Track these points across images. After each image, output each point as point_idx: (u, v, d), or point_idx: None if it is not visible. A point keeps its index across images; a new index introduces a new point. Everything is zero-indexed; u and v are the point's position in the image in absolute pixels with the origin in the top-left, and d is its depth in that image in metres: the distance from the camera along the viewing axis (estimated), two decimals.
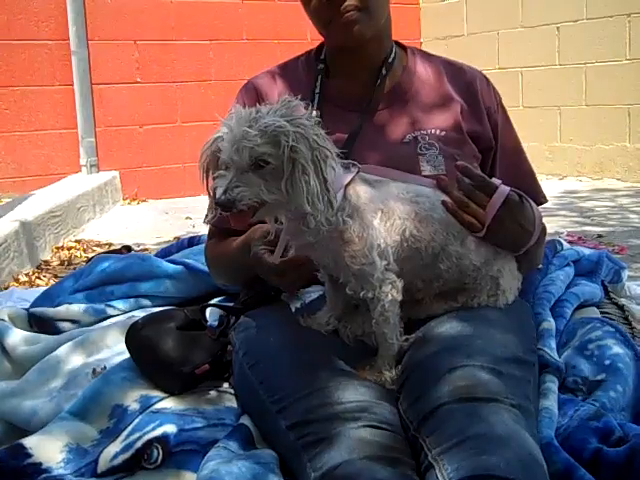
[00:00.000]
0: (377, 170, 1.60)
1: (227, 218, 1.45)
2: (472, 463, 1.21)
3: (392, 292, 1.50)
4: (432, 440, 1.30)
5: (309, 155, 1.37)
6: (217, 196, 1.39)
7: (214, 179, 1.43)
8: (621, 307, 2.08)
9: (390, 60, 1.82)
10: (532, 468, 1.24)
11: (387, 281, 1.50)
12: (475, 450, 1.23)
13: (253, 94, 1.84)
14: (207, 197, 1.51)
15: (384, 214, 1.51)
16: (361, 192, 1.51)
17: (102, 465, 1.50)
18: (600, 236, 4.10)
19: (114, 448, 1.52)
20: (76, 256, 4.09)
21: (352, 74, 1.81)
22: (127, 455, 1.50)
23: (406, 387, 1.45)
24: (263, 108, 1.41)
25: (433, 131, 1.77)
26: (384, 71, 1.80)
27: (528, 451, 1.26)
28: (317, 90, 1.79)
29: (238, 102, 1.82)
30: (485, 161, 1.82)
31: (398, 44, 1.87)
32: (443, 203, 1.58)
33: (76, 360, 1.83)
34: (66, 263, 3.93)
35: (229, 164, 1.39)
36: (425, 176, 1.67)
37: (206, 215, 1.54)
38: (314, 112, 1.49)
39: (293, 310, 1.72)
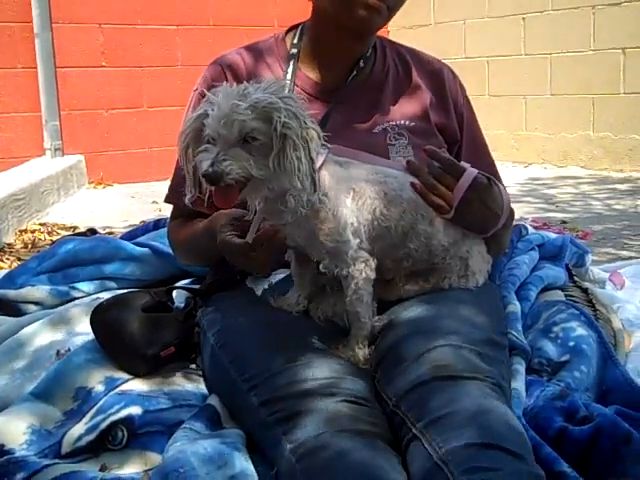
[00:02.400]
0: (346, 152, 1.60)
1: (200, 200, 1.45)
2: (462, 433, 1.24)
3: (366, 270, 1.51)
4: (415, 414, 1.31)
5: (300, 133, 1.37)
6: (203, 169, 1.37)
7: (197, 155, 1.41)
8: (585, 290, 2.10)
9: (368, 54, 1.82)
10: (516, 435, 1.27)
11: (360, 259, 1.51)
12: (462, 422, 1.25)
13: (221, 73, 1.80)
14: (185, 176, 1.49)
15: (356, 193, 1.52)
16: (333, 172, 1.52)
17: (66, 446, 1.49)
18: (564, 222, 4.15)
19: (78, 430, 1.51)
20: (40, 239, 4.04)
21: (329, 62, 1.80)
22: (91, 437, 1.49)
23: (382, 366, 1.46)
24: (250, 86, 1.40)
25: (402, 122, 1.78)
26: (362, 64, 1.80)
27: (510, 421, 1.30)
28: (289, 77, 1.77)
29: (205, 80, 1.80)
30: (450, 153, 1.82)
31: None
32: (412, 185, 1.59)
33: (39, 342, 1.80)
34: (30, 246, 3.88)
35: (215, 139, 1.38)
36: None
37: (183, 194, 1.51)
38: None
39: (259, 294, 1.71)
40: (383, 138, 1.75)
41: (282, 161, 1.36)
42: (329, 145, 1.54)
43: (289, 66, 1.79)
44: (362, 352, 1.51)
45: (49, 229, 4.31)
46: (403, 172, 1.62)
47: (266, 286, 1.74)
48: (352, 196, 1.52)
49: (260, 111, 1.36)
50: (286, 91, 1.44)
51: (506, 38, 6.82)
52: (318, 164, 1.48)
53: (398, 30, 6.76)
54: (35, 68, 5.88)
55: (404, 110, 1.80)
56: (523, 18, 6.67)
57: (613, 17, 6.04)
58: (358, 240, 1.51)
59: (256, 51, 1.85)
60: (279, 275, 1.75)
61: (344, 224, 1.48)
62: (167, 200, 1.88)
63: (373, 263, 1.52)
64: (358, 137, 1.73)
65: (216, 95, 1.40)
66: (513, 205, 1.74)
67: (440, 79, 1.87)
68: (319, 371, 1.39)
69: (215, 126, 1.37)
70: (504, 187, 1.72)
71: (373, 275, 1.52)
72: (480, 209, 1.63)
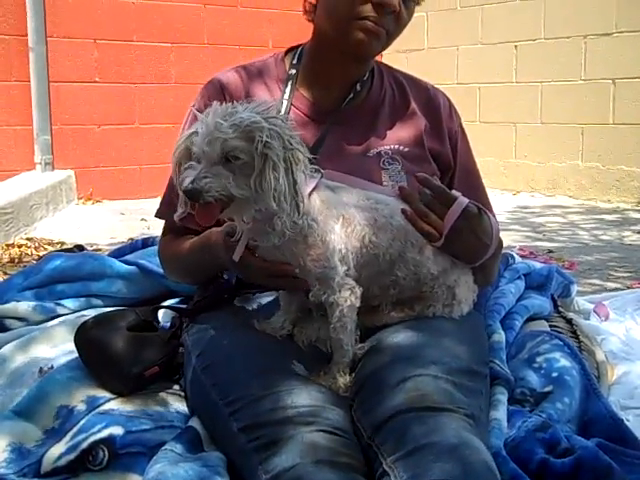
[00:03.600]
0: (339, 177, 1.61)
1: (191, 217, 1.46)
2: (427, 470, 1.22)
3: (351, 298, 1.51)
4: (387, 448, 1.30)
5: (282, 153, 1.38)
6: (184, 185, 1.38)
7: (182, 172, 1.43)
8: (569, 321, 2.11)
9: (366, 78, 1.83)
10: (486, 475, 1.26)
11: (346, 286, 1.51)
12: (430, 458, 1.24)
13: (219, 91, 1.80)
14: (175, 193, 1.51)
15: (345, 220, 1.52)
16: (324, 197, 1.52)
17: (46, 466, 1.48)
18: (551, 251, 4.17)
19: (59, 449, 1.50)
20: (27, 254, 4.02)
21: (326, 85, 1.81)
22: (72, 456, 1.48)
23: (360, 395, 1.45)
24: (239, 105, 1.42)
25: (396, 147, 1.79)
26: (359, 87, 1.81)
27: (482, 459, 1.28)
28: (286, 96, 1.78)
29: (202, 97, 1.80)
30: (442, 181, 1.83)
31: None
32: (403, 211, 1.59)
33: (22, 358, 1.79)
34: (16, 260, 3.86)
35: (201, 157, 1.39)
36: None
37: (174, 211, 1.53)
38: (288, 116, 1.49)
39: (251, 309, 1.71)
40: (377, 162, 1.76)
41: (262, 181, 1.37)
42: (322, 170, 1.55)
43: (287, 87, 1.80)
44: (343, 380, 1.51)
45: (36, 244, 4.29)
46: (395, 198, 1.63)
47: (254, 307, 1.74)
48: (341, 222, 1.52)
49: (243, 130, 1.37)
50: (275, 112, 1.44)
51: (498, 65, 6.87)
52: (309, 188, 1.49)
53: (391, 54, 6.79)
54: (28, 82, 5.87)
55: (399, 135, 1.81)
56: (515, 46, 6.73)
57: (604, 47, 6.11)
58: (345, 267, 1.51)
59: (254, 70, 1.86)
60: (267, 298, 1.75)
61: (332, 250, 1.49)
62: (158, 215, 1.88)
63: (359, 291, 1.52)
64: (352, 160, 1.74)
65: (207, 114, 1.41)
66: (501, 233, 1.75)
67: (436, 106, 1.88)
68: (299, 398, 1.39)
69: (200, 144, 1.39)
70: (495, 217, 1.72)
71: (358, 303, 1.52)
72: (470, 238, 1.63)
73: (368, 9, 1.66)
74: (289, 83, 1.80)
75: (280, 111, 1.46)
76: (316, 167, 1.54)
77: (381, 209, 1.58)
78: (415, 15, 1.77)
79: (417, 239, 1.59)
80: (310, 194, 1.50)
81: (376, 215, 1.56)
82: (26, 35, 5.82)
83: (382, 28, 1.68)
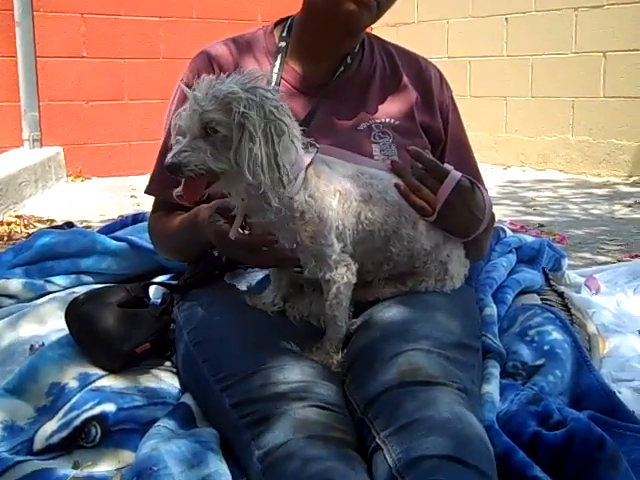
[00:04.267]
0: (334, 151, 1.60)
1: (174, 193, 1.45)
2: (420, 444, 1.22)
3: (347, 274, 1.51)
4: (379, 423, 1.30)
5: (261, 124, 1.36)
6: (166, 160, 1.38)
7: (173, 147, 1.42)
8: (561, 294, 2.12)
9: (356, 50, 1.81)
10: (479, 449, 1.26)
11: (342, 263, 1.50)
12: (423, 432, 1.24)
13: (207, 64, 1.78)
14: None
15: (342, 196, 1.51)
16: (321, 173, 1.51)
17: (38, 443, 1.48)
18: (541, 225, 4.17)
19: (51, 426, 1.50)
20: (16, 231, 3.99)
21: (317, 57, 1.80)
22: (64, 433, 1.48)
23: (352, 371, 1.45)
24: (226, 77, 1.40)
25: (387, 120, 1.78)
26: (349, 60, 1.80)
27: (475, 433, 1.28)
28: (276, 69, 1.76)
29: (191, 71, 1.78)
30: (433, 154, 1.82)
31: None
32: (396, 186, 1.58)
33: (13, 336, 1.79)
34: (5, 238, 3.83)
35: (185, 131, 1.39)
36: None
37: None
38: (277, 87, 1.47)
39: (242, 289, 1.71)
40: (367, 136, 1.75)
41: (239, 152, 1.36)
42: (317, 145, 1.54)
43: (277, 60, 1.78)
44: (335, 355, 1.51)
45: (25, 221, 4.26)
46: (387, 172, 1.62)
47: (244, 287, 1.73)
48: (338, 199, 1.50)
49: (221, 102, 1.36)
50: (263, 82, 1.42)
51: (489, 38, 6.84)
52: (305, 163, 1.48)
53: (382, 27, 6.75)
54: (15, 57, 5.81)
55: (390, 108, 1.80)
56: (506, 19, 6.69)
57: (595, 20, 6.08)
58: (342, 244, 1.50)
59: (244, 43, 1.84)
60: (259, 275, 1.74)
61: (329, 227, 1.48)
62: (147, 191, 1.87)
63: (354, 267, 1.52)
64: (343, 134, 1.73)
65: (194, 88, 1.40)
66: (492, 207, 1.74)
67: (427, 78, 1.87)
68: (291, 374, 1.39)
69: (184, 118, 1.38)
70: (486, 190, 1.72)
71: (354, 279, 1.52)
72: (463, 212, 1.62)
73: None
74: (279, 56, 1.79)
75: (270, 82, 1.43)
76: (311, 142, 1.53)
77: (375, 184, 1.57)
78: None
79: (411, 214, 1.58)
80: (307, 169, 1.48)
81: (371, 191, 1.55)
82: (12, 9, 5.75)
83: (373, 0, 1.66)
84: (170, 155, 1.38)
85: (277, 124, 1.37)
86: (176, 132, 1.44)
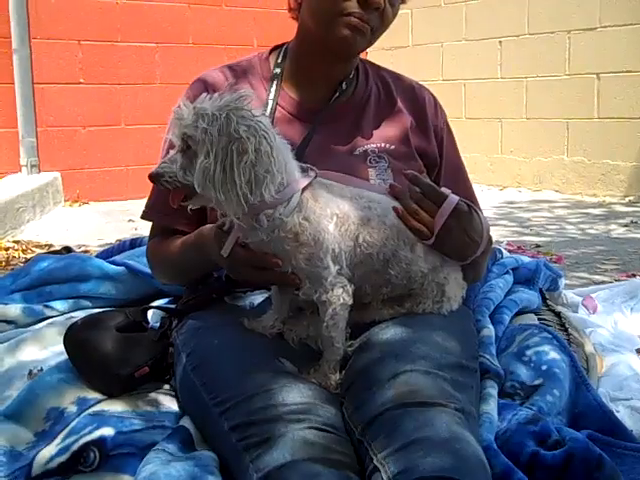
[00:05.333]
0: (333, 175, 1.61)
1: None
2: (418, 465, 1.22)
3: (343, 296, 1.51)
4: (377, 444, 1.30)
5: (222, 142, 1.37)
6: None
7: None
8: (558, 314, 2.12)
9: (351, 76, 1.83)
10: (477, 469, 1.26)
11: (338, 285, 1.51)
12: (421, 453, 1.24)
13: (204, 90, 1.74)
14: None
15: (339, 219, 1.52)
16: (318, 196, 1.52)
17: (36, 468, 1.47)
18: (538, 246, 4.18)
19: (49, 451, 1.49)
20: (14, 256, 4.00)
21: (312, 83, 1.81)
22: (63, 458, 1.47)
23: (351, 392, 1.45)
24: (217, 95, 1.43)
25: (382, 144, 1.79)
26: (344, 86, 1.81)
27: (473, 454, 1.28)
28: (272, 95, 1.78)
29: (188, 97, 1.79)
30: (428, 177, 1.83)
31: None
32: (394, 209, 1.59)
33: (12, 361, 1.79)
34: (4, 263, 3.84)
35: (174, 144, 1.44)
36: None
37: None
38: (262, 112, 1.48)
39: (242, 305, 1.72)
40: (363, 160, 1.76)
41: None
42: (316, 169, 1.55)
43: (272, 86, 1.79)
44: (333, 377, 1.51)
45: (23, 247, 4.27)
46: (386, 196, 1.62)
47: (246, 304, 1.74)
48: (335, 222, 1.51)
49: (193, 118, 1.40)
50: (245, 102, 1.42)
51: (483, 61, 6.89)
52: (302, 185, 1.49)
53: (377, 51, 6.81)
54: (12, 84, 5.84)
55: (385, 133, 1.81)
56: (500, 41, 6.75)
57: (588, 42, 6.13)
58: (338, 267, 1.51)
59: (239, 70, 1.85)
60: (258, 297, 1.75)
61: (325, 250, 1.48)
62: (144, 216, 1.88)
63: (350, 288, 1.52)
64: (339, 159, 1.74)
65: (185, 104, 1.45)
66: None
67: (421, 103, 1.88)
68: (290, 396, 1.39)
69: (172, 131, 1.44)
70: (482, 213, 1.73)
71: (350, 301, 1.52)
72: (460, 236, 1.62)
73: (353, 5, 1.66)
74: (274, 82, 1.80)
75: (249, 100, 1.43)
76: (310, 166, 1.55)
77: (374, 207, 1.57)
78: (399, 12, 1.77)
79: (409, 237, 1.59)
80: (303, 192, 1.49)
81: (370, 214, 1.55)
82: (9, 37, 5.80)
83: (367, 24, 1.68)
84: (156, 166, 1.45)
85: (240, 143, 1.37)
86: (168, 145, 1.48)
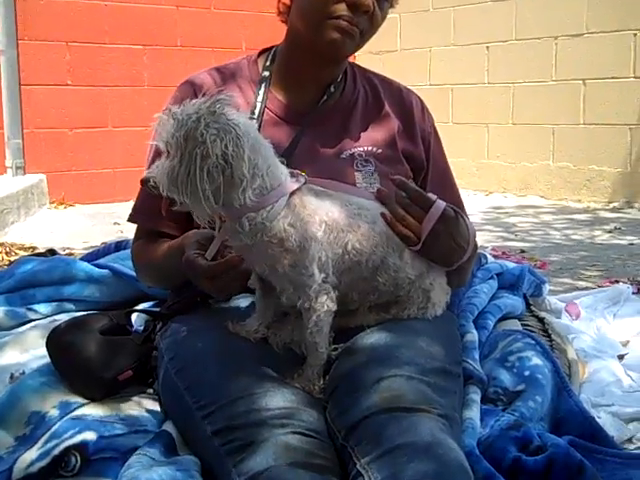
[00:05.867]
0: (323, 182, 1.60)
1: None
2: (402, 471, 1.22)
3: (327, 302, 1.50)
4: (360, 449, 1.30)
5: (189, 146, 1.37)
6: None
7: None
8: (541, 320, 2.13)
9: (339, 79, 1.83)
10: (460, 476, 1.26)
11: (323, 292, 1.50)
12: (404, 458, 1.24)
13: (191, 93, 1.76)
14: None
15: (328, 226, 1.51)
16: (307, 203, 1.51)
17: (17, 473, 1.46)
18: (523, 251, 4.20)
19: (30, 455, 1.48)
20: None
21: (300, 86, 1.81)
22: (44, 463, 1.46)
23: (334, 397, 1.45)
24: (195, 101, 1.42)
25: (369, 148, 1.79)
26: (332, 89, 1.82)
27: (456, 459, 1.28)
28: (260, 98, 1.78)
29: (175, 100, 1.78)
30: (415, 181, 1.83)
31: None
32: (382, 215, 1.58)
33: None
34: None
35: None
36: None
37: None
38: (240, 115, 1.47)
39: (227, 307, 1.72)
40: (350, 164, 1.76)
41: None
42: (305, 175, 1.55)
43: (260, 89, 1.79)
44: (317, 382, 1.51)
45: (7, 249, 4.25)
46: (374, 202, 1.62)
47: (231, 311, 1.74)
48: (324, 229, 1.50)
49: (172, 125, 1.40)
50: (217, 105, 1.40)
51: (470, 66, 6.92)
52: (289, 190, 1.48)
53: (365, 55, 6.80)
54: None
55: (372, 136, 1.81)
56: (487, 47, 6.78)
57: (575, 48, 6.17)
58: (324, 275, 1.50)
59: (227, 72, 1.85)
60: (243, 302, 1.75)
61: (311, 258, 1.47)
62: (130, 219, 1.88)
63: (334, 295, 1.52)
64: (326, 162, 1.74)
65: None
66: None
67: (408, 107, 1.89)
68: (273, 401, 1.39)
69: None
70: (469, 219, 1.73)
71: (334, 307, 1.52)
72: (447, 242, 1.62)
73: (342, 8, 1.67)
74: (262, 85, 1.80)
75: (226, 103, 1.43)
76: (299, 172, 1.54)
77: (364, 215, 1.56)
78: (388, 17, 1.77)
79: (397, 244, 1.58)
80: (291, 197, 1.49)
81: (359, 221, 1.55)
82: None
83: (356, 27, 1.69)
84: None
85: (205, 147, 1.36)
86: (154, 151, 1.51)
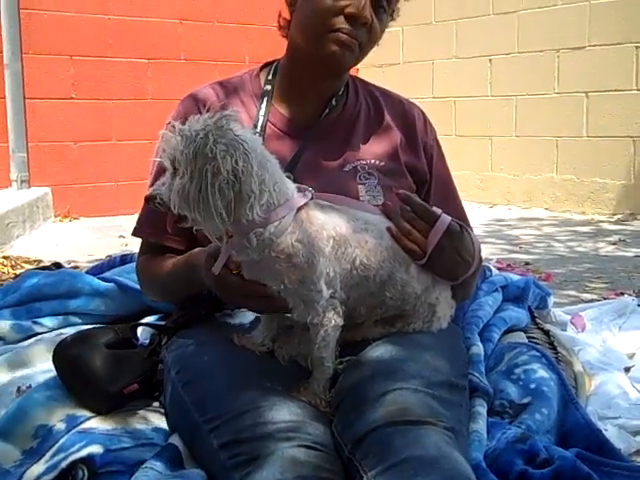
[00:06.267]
0: (329, 197, 1.60)
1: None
2: None
3: (334, 317, 1.50)
4: (367, 463, 1.30)
5: (199, 162, 1.37)
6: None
7: None
8: (547, 332, 2.13)
9: (341, 93, 1.84)
10: None
11: (330, 307, 1.50)
12: (411, 472, 1.24)
13: (194, 107, 1.77)
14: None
15: (336, 242, 1.51)
16: (314, 218, 1.51)
17: None
18: (527, 263, 4.19)
19: (38, 469, 1.48)
20: (3, 272, 3.98)
21: (302, 99, 1.82)
22: (51, 476, 1.46)
23: (340, 410, 1.45)
24: (200, 116, 1.43)
25: (372, 161, 1.79)
26: (334, 102, 1.82)
27: (462, 473, 1.28)
28: (262, 112, 1.78)
29: (178, 114, 1.79)
30: (418, 194, 1.82)
31: None
32: (388, 229, 1.59)
33: (0, 378, 1.78)
34: None
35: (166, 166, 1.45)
36: None
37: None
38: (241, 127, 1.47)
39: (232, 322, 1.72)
40: (353, 177, 1.76)
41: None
42: (313, 192, 1.55)
43: (262, 103, 1.80)
44: (323, 395, 1.51)
45: (13, 262, 4.25)
46: (381, 217, 1.62)
47: (236, 322, 1.74)
48: (332, 245, 1.50)
49: (178, 140, 1.40)
50: (222, 121, 1.41)
51: (473, 79, 6.93)
52: (296, 205, 1.49)
53: (367, 68, 6.85)
54: (4, 98, 5.84)
55: (374, 149, 1.82)
56: (490, 60, 6.80)
57: (577, 61, 6.18)
58: (332, 290, 1.50)
59: (230, 86, 1.86)
60: (249, 314, 1.75)
61: (319, 274, 1.47)
62: (135, 233, 1.88)
63: (342, 310, 1.52)
64: (329, 175, 1.75)
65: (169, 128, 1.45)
66: None
67: (410, 120, 1.89)
68: (280, 414, 1.39)
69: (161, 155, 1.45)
70: (473, 232, 1.73)
71: (342, 322, 1.52)
72: (452, 256, 1.62)
73: (341, 21, 1.68)
74: (264, 99, 1.81)
75: (233, 118, 1.43)
76: (307, 187, 1.55)
77: (371, 230, 1.57)
78: (391, 30, 1.78)
79: (404, 258, 1.59)
80: (298, 212, 1.49)
81: (366, 236, 1.55)
82: (1, 52, 5.80)
83: (355, 40, 1.70)
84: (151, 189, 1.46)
85: (215, 164, 1.36)
86: (158, 168, 1.49)
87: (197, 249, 1.67)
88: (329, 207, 1.56)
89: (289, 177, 1.52)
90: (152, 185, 1.50)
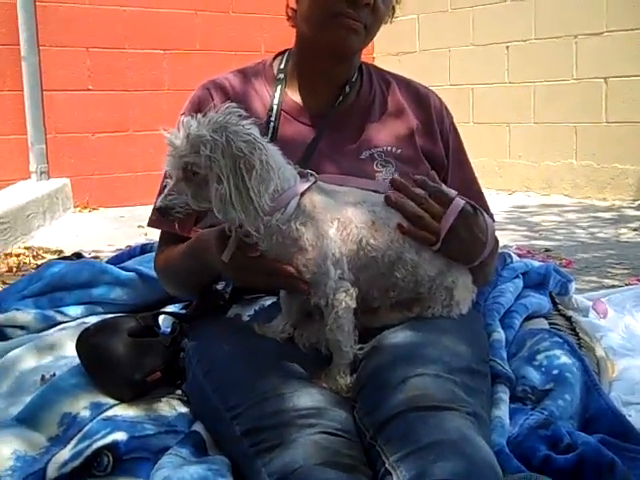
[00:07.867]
0: (334, 179, 1.61)
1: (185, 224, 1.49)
2: (430, 469, 1.22)
3: (346, 299, 1.51)
4: (389, 448, 1.30)
5: (228, 163, 1.38)
6: (157, 203, 1.45)
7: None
8: (568, 318, 2.12)
9: (354, 79, 1.84)
10: (489, 474, 1.26)
11: (341, 289, 1.51)
12: (433, 457, 1.24)
13: (208, 98, 1.81)
14: None
15: (340, 223, 1.52)
16: (317, 201, 1.52)
17: (51, 473, 1.47)
18: (548, 250, 4.18)
19: (63, 456, 1.49)
20: (25, 262, 4.02)
21: (314, 87, 1.82)
22: (76, 463, 1.47)
23: (362, 396, 1.45)
24: (202, 117, 1.43)
25: (389, 148, 1.79)
26: (347, 89, 1.82)
27: (484, 457, 1.28)
28: (276, 101, 1.79)
29: (192, 104, 1.81)
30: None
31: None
32: (398, 226, 1.57)
33: (24, 366, 1.79)
34: (15, 270, 3.86)
35: (171, 174, 1.44)
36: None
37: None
38: (251, 122, 1.47)
39: (246, 318, 1.72)
40: (370, 164, 1.76)
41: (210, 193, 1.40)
42: (315, 174, 1.56)
43: (276, 91, 1.80)
44: (344, 381, 1.51)
45: (34, 253, 4.29)
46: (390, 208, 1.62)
47: (253, 312, 1.74)
48: (336, 226, 1.51)
49: (192, 145, 1.40)
50: (236, 118, 1.42)
51: (490, 66, 6.90)
52: (300, 190, 1.49)
53: (384, 56, 6.83)
54: (22, 91, 5.88)
55: (391, 136, 1.81)
56: (507, 47, 6.76)
57: (595, 46, 6.14)
58: (340, 271, 1.51)
59: (244, 75, 1.87)
60: (266, 301, 1.75)
61: (324, 255, 1.48)
62: (150, 224, 1.89)
63: (354, 292, 1.52)
64: (346, 163, 1.74)
65: (174, 132, 1.44)
66: (497, 233, 1.74)
67: (426, 105, 1.88)
68: (301, 401, 1.39)
69: (167, 163, 1.44)
70: (492, 215, 1.72)
71: (354, 304, 1.52)
72: (466, 238, 1.62)
73: (343, 5, 1.68)
74: (278, 87, 1.81)
75: (237, 114, 1.43)
76: (309, 171, 1.55)
77: (378, 211, 1.57)
78: (406, 17, 1.79)
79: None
80: (301, 197, 1.50)
81: (373, 217, 1.55)
82: (18, 44, 5.84)
83: (359, 23, 1.69)
84: (160, 199, 1.44)
85: (246, 160, 1.38)
86: (165, 175, 1.49)
87: (203, 231, 1.64)
88: (333, 190, 1.57)
89: (289, 163, 1.53)
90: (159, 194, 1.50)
